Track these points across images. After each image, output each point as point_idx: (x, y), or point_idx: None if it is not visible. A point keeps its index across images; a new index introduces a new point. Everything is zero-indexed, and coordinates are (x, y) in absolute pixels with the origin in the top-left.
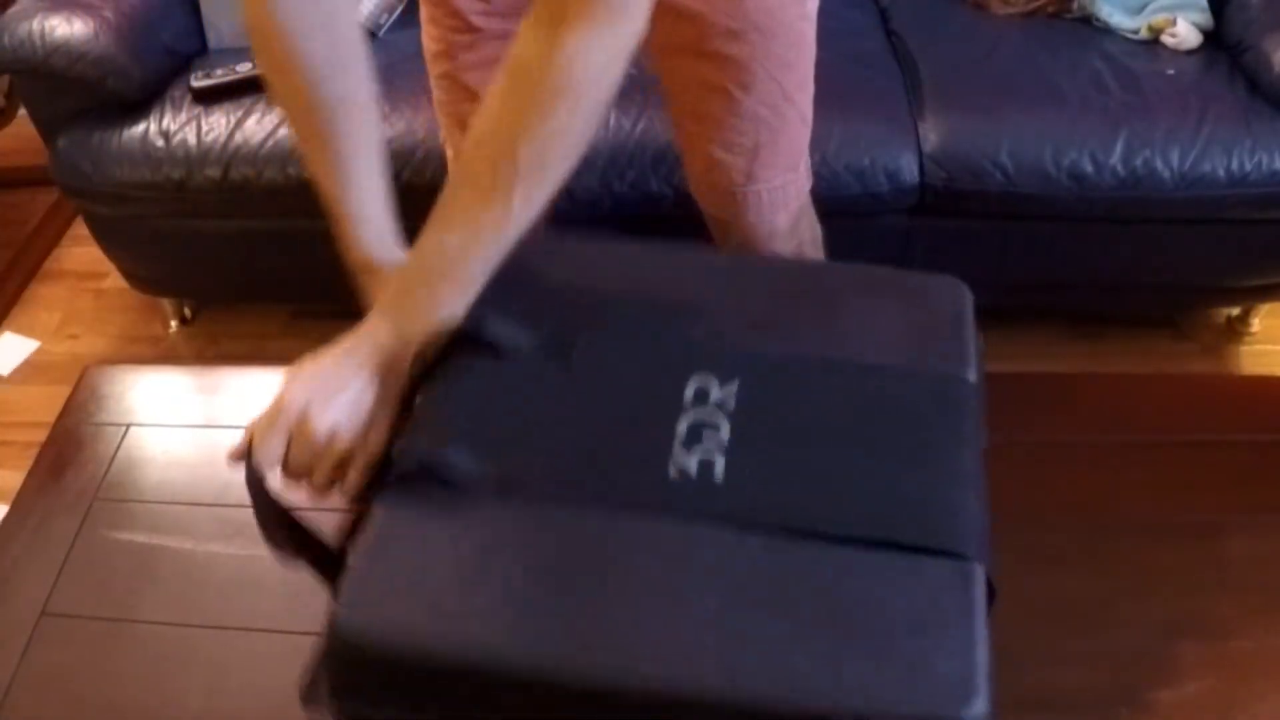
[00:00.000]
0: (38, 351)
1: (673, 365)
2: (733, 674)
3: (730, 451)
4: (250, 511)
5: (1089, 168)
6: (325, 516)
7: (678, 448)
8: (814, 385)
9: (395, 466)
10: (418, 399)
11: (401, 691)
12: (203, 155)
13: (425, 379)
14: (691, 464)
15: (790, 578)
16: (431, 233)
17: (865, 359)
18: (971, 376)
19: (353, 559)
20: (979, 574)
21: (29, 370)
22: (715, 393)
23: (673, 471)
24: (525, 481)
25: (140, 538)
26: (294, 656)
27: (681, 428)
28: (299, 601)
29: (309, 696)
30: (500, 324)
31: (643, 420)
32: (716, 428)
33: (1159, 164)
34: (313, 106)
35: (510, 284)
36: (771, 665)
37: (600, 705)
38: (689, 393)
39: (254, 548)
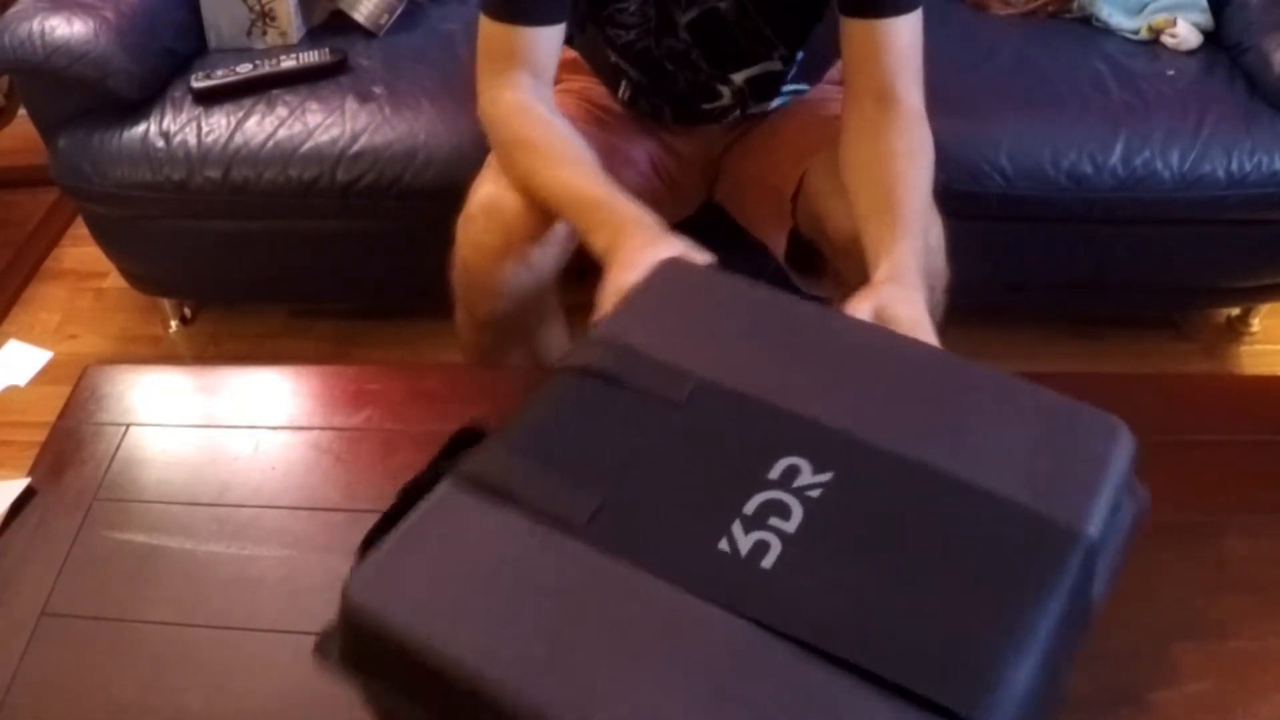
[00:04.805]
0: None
1: (772, 437)
2: None
3: (790, 542)
4: (250, 511)
5: (1088, 169)
6: None
7: (738, 523)
8: (908, 496)
9: (463, 464)
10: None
11: (394, 671)
12: (203, 156)
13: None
14: (746, 543)
15: (789, 696)
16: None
17: (973, 480)
18: (1092, 530)
19: (388, 538)
20: None
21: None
22: (803, 477)
23: (723, 545)
24: (577, 515)
25: (140, 538)
26: (294, 656)
27: (751, 504)
28: (299, 601)
29: (322, 649)
30: (624, 355)
31: (720, 486)
32: (788, 513)
33: (1158, 165)
34: (572, 149)
35: (647, 313)
36: None
37: None
38: (777, 470)
39: (254, 548)
